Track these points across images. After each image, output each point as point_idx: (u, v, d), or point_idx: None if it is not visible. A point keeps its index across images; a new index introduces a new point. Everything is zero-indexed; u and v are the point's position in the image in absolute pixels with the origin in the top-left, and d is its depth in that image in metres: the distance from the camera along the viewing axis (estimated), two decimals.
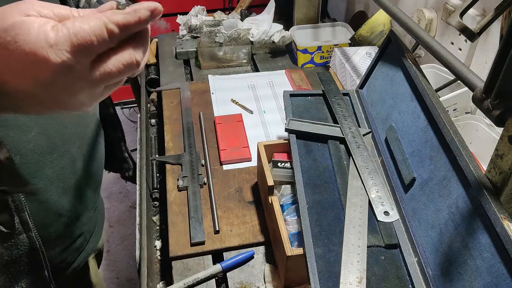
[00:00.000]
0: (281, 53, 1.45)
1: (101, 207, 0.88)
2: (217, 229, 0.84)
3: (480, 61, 0.99)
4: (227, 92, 1.24)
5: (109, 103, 0.82)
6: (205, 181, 0.95)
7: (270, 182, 0.77)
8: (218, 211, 0.88)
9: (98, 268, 1.00)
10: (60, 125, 0.66)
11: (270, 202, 0.77)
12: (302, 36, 1.43)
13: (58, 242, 0.71)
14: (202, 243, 0.82)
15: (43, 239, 0.63)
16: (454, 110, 0.97)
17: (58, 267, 0.72)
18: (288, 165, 0.83)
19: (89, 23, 0.38)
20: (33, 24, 0.37)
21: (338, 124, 0.82)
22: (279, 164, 0.83)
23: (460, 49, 1.03)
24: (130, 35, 0.41)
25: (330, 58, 1.34)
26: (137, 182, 1.01)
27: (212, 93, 1.23)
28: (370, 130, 0.83)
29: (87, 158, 0.74)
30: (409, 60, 0.78)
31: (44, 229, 0.66)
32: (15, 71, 0.38)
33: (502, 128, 0.51)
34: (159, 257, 0.87)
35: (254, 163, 1.00)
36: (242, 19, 1.48)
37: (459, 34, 1.01)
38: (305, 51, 1.34)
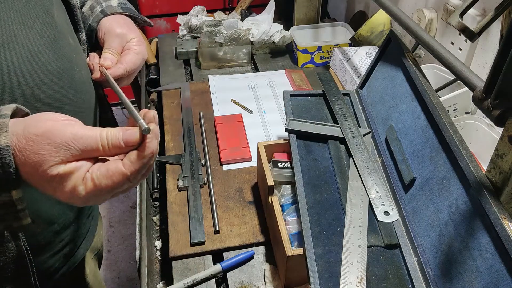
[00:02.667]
0: (281, 53, 1.45)
1: (96, 212, 0.87)
2: (217, 229, 0.84)
3: (480, 61, 0.99)
4: (227, 92, 1.24)
5: (107, 107, 0.81)
6: (205, 181, 0.95)
7: (270, 182, 0.77)
8: (218, 211, 0.88)
9: (99, 267, 1.00)
10: None
11: (270, 202, 0.77)
12: (302, 36, 1.43)
13: (47, 248, 0.70)
14: (202, 243, 0.82)
15: (31, 246, 0.62)
16: (454, 110, 0.97)
17: (45, 273, 0.71)
18: (288, 165, 0.83)
19: (111, 180, 0.47)
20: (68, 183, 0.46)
21: (338, 124, 0.82)
22: (279, 164, 0.83)
23: (460, 49, 1.03)
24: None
25: (330, 58, 1.34)
26: None
27: (212, 93, 1.23)
28: (370, 130, 0.83)
29: None
30: (409, 60, 0.78)
31: (33, 236, 0.65)
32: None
33: (502, 128, 0.51)
34: (159, 257, 0.87)
35: (254, 163, 1.00)
36: (242, 19, 1.48)
37: (459, 34, 1.01)
38: (305, 51, 1.34)
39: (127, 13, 0.81)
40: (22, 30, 0.59)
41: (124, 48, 0.76)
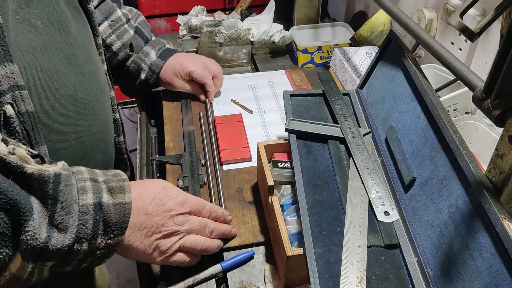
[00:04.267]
0: (281, 53, 1.45)
1: None
2: None
3: (480, 61, 0.99)
4: (227, 92, 1.24)
5: (116, 108, 0.86)
6: (205, 181, 0.95)
7: (270, 182, 0.77)
8: None
9: None
10: (91, 133, 0.71)
11: (270, 202, 0.77)
12: (302, 36, 1.43)
13: None
14: None
15: None
16: (454, 110, 0.97)
17: None
18: (288, 165, 0.83)
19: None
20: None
21: (338, 124, 0.82)
22: (279, 164, 0.83)
23: (460, 49, 1.03)
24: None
25: (330, 58, 1.35)
26: None
27: None
28: (370, 130, 0.83)
29: (106, 163, 0.78)
30: (409, 60, 0.78)
31: None
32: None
33: (502, 128, 0.51)
34: None
35: (254, 163, 1.00)
36: (242, 19, 1.48)
37: (459, 34, 1.01)
38: (305, 51, 1.34)
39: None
40: (61, 35, 0.64)
41: (195, 78, 1.12)
